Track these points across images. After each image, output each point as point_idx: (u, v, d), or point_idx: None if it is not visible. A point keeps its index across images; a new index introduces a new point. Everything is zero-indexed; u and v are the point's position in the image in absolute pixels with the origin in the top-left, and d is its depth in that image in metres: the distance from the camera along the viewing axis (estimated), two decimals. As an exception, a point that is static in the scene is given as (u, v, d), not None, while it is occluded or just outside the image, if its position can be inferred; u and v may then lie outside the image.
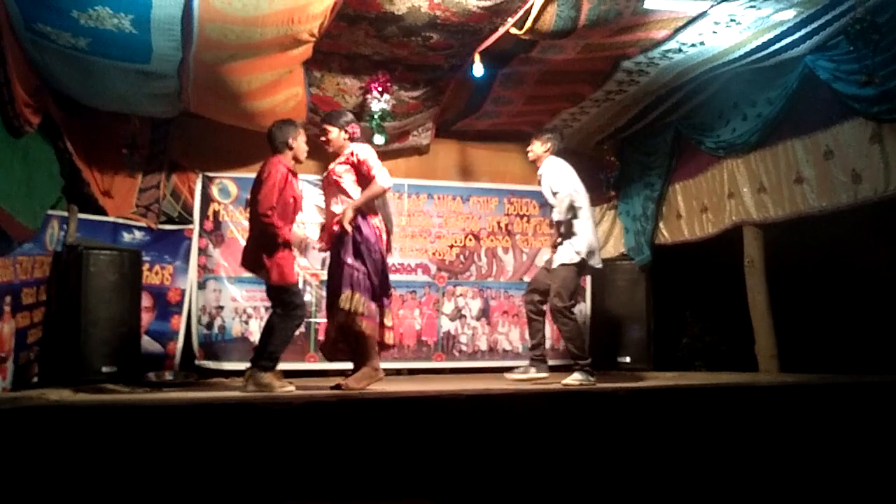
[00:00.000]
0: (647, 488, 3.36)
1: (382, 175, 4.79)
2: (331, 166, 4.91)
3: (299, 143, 4.82)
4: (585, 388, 4.62)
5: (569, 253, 5.15)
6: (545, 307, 5.41)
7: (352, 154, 4.81)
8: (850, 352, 5.29)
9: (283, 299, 4.65)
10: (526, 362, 5.61)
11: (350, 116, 4.99)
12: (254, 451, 3.08)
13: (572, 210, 5.18)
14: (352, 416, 3.33)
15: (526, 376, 5.31)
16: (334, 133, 4.87)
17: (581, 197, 5.27)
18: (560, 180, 5.27)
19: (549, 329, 7.18)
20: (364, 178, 4.79)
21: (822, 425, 3.73)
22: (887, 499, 3.45)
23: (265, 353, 4.59)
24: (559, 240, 5.26)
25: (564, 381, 4.86)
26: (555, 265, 5.21)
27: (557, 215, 5.27)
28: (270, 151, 4.77)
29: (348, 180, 4.81)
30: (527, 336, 7.23)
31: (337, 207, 4.80)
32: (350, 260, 4.64)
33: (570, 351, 5.18)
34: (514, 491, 3.22)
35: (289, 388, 4.52)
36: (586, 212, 5.28)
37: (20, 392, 4.74)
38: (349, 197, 4.77)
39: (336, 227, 4.71)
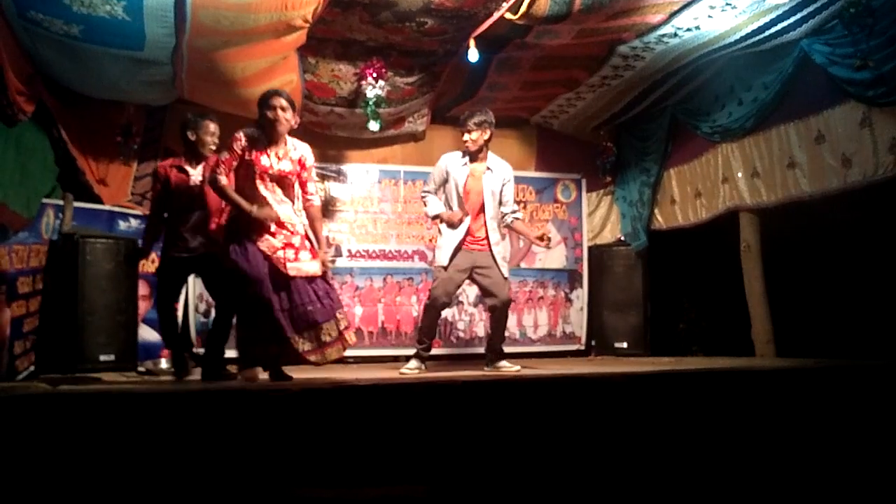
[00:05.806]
0: (643, 473, 3.37)
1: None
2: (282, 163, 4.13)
3: None
4: (581, 375, 4.62)
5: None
6: None
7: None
8: (847, 336, 5.29)
9: None
10: (523, 349, 5.57)
11: None
12: (247, 439, 3.08)
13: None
14: (347, 403, 3.33)
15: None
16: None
17: None
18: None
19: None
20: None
21: (819, 409, 3.74)
22: (883, 483, 3.46)
23: None
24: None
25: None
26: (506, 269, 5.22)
27: (511, 217, 5.23)
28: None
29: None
30: (524, 322, 7.31)
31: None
32: None
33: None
34: (510, 476, 3.24)
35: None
36: None
37: (16, 381, 4.75)
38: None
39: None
